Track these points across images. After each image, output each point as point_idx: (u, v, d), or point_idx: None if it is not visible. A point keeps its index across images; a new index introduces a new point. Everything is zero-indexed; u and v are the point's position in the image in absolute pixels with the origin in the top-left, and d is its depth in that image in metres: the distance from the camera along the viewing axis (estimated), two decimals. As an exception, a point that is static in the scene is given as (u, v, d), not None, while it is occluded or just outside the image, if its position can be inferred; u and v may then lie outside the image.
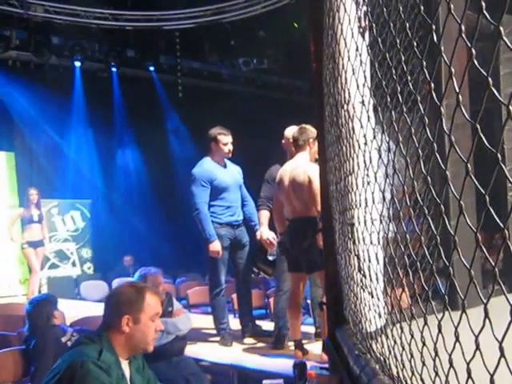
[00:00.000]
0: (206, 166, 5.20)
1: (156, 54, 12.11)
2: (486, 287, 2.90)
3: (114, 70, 11.84)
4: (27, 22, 10.39)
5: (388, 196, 1.40)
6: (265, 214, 5.10)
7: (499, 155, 0.76)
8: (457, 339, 0.89)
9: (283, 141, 4.98)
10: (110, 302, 2.33)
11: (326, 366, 2.83)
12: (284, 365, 4.05)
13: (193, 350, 4.65)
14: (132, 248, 10.87)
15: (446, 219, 0.99)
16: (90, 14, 10.74)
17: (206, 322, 5.81)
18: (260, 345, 5.03)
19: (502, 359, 0.75)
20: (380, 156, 1.41)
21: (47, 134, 11.66)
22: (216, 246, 5.02)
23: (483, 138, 0.80)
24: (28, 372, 3.85)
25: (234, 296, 5.79)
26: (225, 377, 4.54)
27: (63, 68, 11.43)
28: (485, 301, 0.79)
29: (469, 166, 0.84)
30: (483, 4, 0.76)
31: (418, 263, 1.20)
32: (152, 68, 12.10)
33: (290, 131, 4.75)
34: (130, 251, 10.80)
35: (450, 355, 0.94)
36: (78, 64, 11.44)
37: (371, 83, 1.66)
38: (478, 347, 0.81)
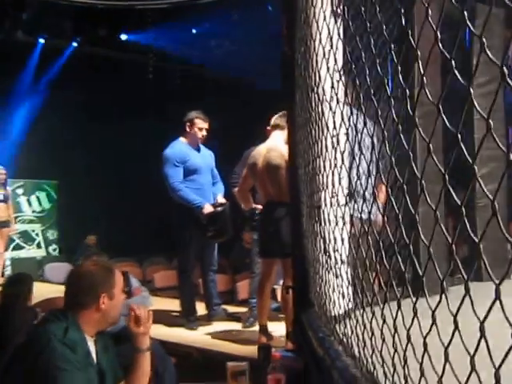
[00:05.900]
0: (178, 148, 5.20)
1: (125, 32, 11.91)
2: (452, 274, 2.94)
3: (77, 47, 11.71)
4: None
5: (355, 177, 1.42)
6: None
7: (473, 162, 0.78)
8: (415, 315, 0.91)
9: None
10: (81, 284, 2.32)
11: (291, 349, 2.88)
12: (249, 348, 4.08)
13: (158, 333, 4.63)
14: (98, 230, 10.75)
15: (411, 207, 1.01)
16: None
17: (171, 305, 5.80)
18: (225, 328, 5.05)
19: (457, 332, 0.77)
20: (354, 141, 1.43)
21: (12, 112, 11.41)
22: (208, 207, 5.02)
23: (463, 146, 0.81)
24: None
25: (200, 280, 5.79)
26: (189, 359, 4.55)
27: (29, 44, 11.22)
28: (446, 285, 0.81)
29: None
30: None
31: (383, 251, 1.22)
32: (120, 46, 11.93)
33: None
34: (95, 233, 10.70)
35: (407, 331, 0.96)
36: (42, 41, 11.33)
37: (344, 72, 1.67)
38: (434, 322, 0.83)
